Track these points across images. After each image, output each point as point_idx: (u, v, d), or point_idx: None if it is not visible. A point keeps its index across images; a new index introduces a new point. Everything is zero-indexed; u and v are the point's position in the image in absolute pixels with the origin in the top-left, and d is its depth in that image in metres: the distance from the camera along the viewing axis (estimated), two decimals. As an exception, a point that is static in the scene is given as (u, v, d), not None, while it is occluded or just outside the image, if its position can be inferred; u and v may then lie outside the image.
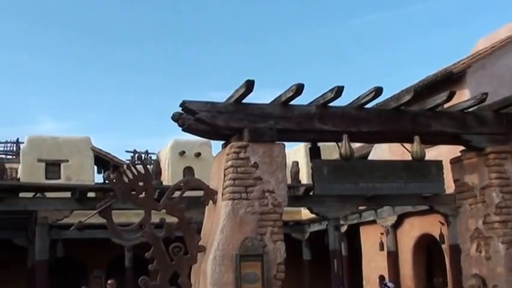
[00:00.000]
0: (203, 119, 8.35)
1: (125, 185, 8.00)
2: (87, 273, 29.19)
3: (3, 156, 35.73)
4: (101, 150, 31.38)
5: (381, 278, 20.98)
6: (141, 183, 8.11)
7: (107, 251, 26.45)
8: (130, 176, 8.01)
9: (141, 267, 21.00)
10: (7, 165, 30.22)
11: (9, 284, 25.77)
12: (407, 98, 9.18)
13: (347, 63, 72.32)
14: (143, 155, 35.40)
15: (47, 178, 29.10)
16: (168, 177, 30.04)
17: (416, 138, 9.27)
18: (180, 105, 8.31)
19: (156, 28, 72.03)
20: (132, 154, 35.33)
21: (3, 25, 69.55)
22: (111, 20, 70.20)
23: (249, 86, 8.14)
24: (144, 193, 8.21)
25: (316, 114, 8.85)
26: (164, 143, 33.51)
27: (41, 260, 17.62)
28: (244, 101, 8.49)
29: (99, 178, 31.60)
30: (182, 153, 31.19)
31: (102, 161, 31.72)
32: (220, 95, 65.29)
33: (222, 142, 9.13)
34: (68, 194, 17.78)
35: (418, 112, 9.52)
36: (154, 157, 34.40)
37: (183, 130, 8.74)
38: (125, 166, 8.30)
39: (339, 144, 8.96)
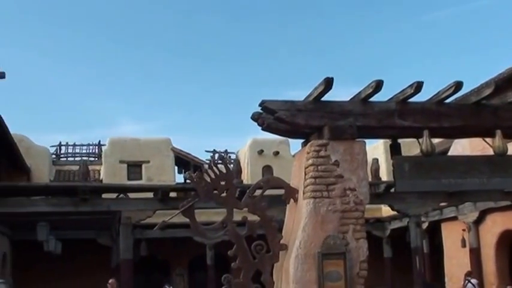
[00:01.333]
0: (282, 118, 8.36)
1: (207, 184, 8.09)
2: (170, 272, 29.67)
3: (86, 158, 36.50)
4: (181, 150, 31.81)
5: (468, 274, 20.57)
6: (222, 183, 8.18)
7: (189, 249, 26.79)
8: (212, 175, 8.09)
9: (223, 265, 21.26)
10: (90, 167, 31.00)
11: (94, 282, 26.39)
12: (488, 91, 8.97)
13: (423, 59, 71.14)
14: (223, 155, 35.64)
15: (129, 179, 29.70)
16: (247, 176, 30.22)
17: (498, 132, 9.06)
18: (260, 105, 8.35)
19: (233, 28, 72.47)
20: (211, 154, 35.61)
21: (84, 29, 71.18)
22: (187, 20, 70.98)
23: (328, 83, 8.12)
24: (225, 192, 8.29)
25: (396, 110, 8.76)
26: (243, 142, 33.76)
27: (126, 259, 17.98)
28: (323, 98, 8.48)
29: (179, 178, 32.04)
30: (261, 152, 31.35)
31: (182, 161, 32.14)
32: (297, 94, 65.33)
33: (302, 140, 9.13)
34: (150, 195, 18.11)
35: (499, 106, 9.29)
36: (233, 156, 34.64)
37: (262, 129, 8.77)
38: (206, 166, 8.39)
39: (419, 140, 8.85)
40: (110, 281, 17.19)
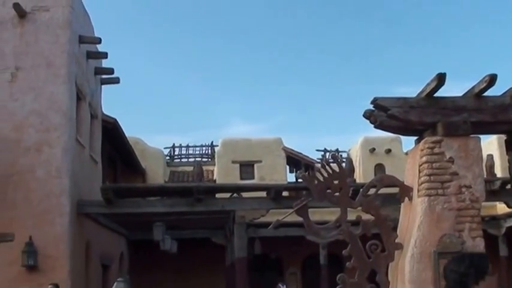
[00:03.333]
0: (395, 115, 8.28)
1: (321, 183, 8.10)
2: (283, 270, 29.83)
3: (199, 159, 37.19)
4: (292, 150, 31.94)
5: None
6: (336, 182, 8.18)
7: (302, 248, 26.85)
8: (325, 174, 8.10)
9: (336, 265, 21.20)
10: (204, 168, 31.56)
11: (210, 280, 26.88)
12: None
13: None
14: (335, 153, 35.55)
15: (241, 179, 30.06)
16: (359, 175, 30.05)
17: None
18: (372, 102, 8.30)
19: (342, 25, 72.14)
20: (322, 153, 35.61)
21: (195, 30, 72.45)
22: (296, 21, 71.11)
23: (441, 79, 7.99)
24: (339, 191, 8.28)
25: (511, 104, 8.53)
26: (354, 141, 33.58)
27: (240, 258, 18.22)
28: (435, 94, 8.35)
29: (290, 177, 32.16)
30: (372, 150, 31.11)
31: (294, 160, 32.27)
32: (407, 91, 64.35)
33: (414, 138, 9.02)
34: (262, 194, 18.28)
35: None
36: (344, 155, 34.50)
37: (375, 127, 8.70)
38: (318, 165, 8.41)
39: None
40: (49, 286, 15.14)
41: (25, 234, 15.52)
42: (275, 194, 17.53)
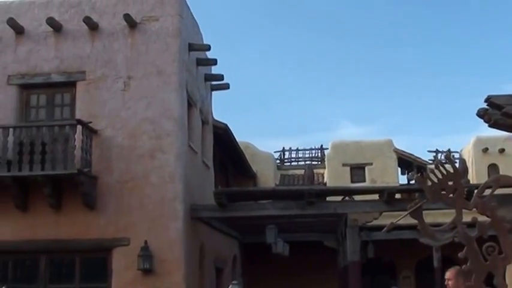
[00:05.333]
0: (511, 114, 8.05)
1: (435, 184, 7.94)
2: (396, 274, 29.44)
3: (309, 162, 37.23)
4: (403, 151, 31.56)
5: None
6: (450, 183, 7.99)
7: (415, 251, 26.41)
8: (439, 175, 7.93)
9: (449, 268, 20.73)
10: (314, 171, 31.59)
11: (321, 283, 26.80)
12: None
13: None
14: (449, 154, 34.85)
15: (352, 181, 29.93)
16: (472, 176, 29.36)
17: None
18: (485, 101, 8.10)
19: (448, 26, 70.62)
20: (434, 154, 34.97)
21: (303, 33, 72.62)
22: (403, 23, 70.16)
23: (558, 75, 7.71)
24: (453, 192, 8.09)
25: None
26: (465, 141, 32.86)
27: (353, 261, 18.07)
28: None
29: (402, 179, 31.79)
30: (485, 150, 30.34)
31: (405, 162, 31.87)
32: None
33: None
34: (374, 197, 18.09)
35: None
36: (456, 155, 33.77)
37: (489, 126, 8.50)
38: (431, 166, 8.27)
39: None
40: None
41: (140, 238, 15.89)
42: (388, 197, 17.30)
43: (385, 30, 72.23)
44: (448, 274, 8.25)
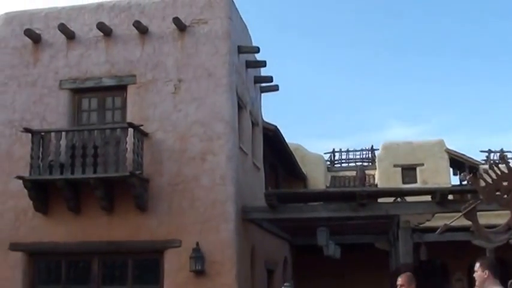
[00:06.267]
0: None
1: (489, 185, 7.82)
2: (449, 276, 29.07)
3: (360, 163, 37.02)
4: (455, 152, 31.18)
5: None
6: (505, 183, 7.87)
7: (468, 253, 26.01)
8: (494, 176, 7.81)
9: (503, 270, 20.35)
10: (365, 172, 31.41)
11: (373, 286, 26.56)
12: None
13: None
14: (504, 154, 34.29)
15: (403, 182, 29.67)
16: (526, 176, 28.83)
17: None
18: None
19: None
20: (487, 154, 34.43)
21: (349, 34, 72.30)
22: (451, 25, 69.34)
23: None
24: (508, 193, 7.96)
25: None
26: (517, 140, 32.32)
27: (406, 264, 17.84)
28: None
29: (453, 180, 31.41)
30: (540, 149, 29.81)
31: (457, 162, 31.49)
32: None
33: None
34: (426, 198, 17.86)
35: None
36: (510, 155, 33.21)
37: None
38: (485, 166, 8.13)
39: None
40: None
41: (192, 240, 15.95)
42: (440, 198, 17.05)
43: (433, 31, 71.50)
44: (401, 280, 8.16)
